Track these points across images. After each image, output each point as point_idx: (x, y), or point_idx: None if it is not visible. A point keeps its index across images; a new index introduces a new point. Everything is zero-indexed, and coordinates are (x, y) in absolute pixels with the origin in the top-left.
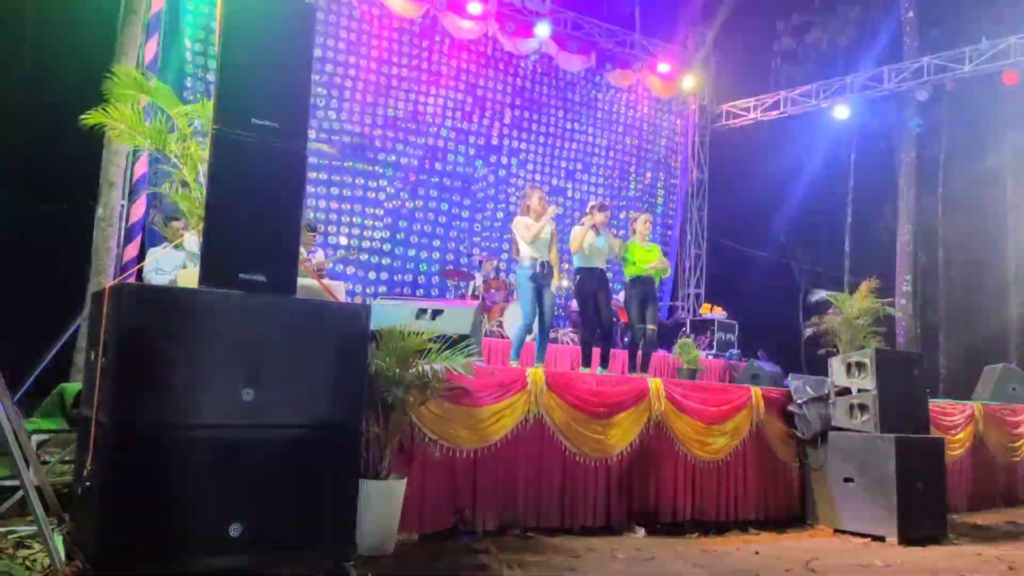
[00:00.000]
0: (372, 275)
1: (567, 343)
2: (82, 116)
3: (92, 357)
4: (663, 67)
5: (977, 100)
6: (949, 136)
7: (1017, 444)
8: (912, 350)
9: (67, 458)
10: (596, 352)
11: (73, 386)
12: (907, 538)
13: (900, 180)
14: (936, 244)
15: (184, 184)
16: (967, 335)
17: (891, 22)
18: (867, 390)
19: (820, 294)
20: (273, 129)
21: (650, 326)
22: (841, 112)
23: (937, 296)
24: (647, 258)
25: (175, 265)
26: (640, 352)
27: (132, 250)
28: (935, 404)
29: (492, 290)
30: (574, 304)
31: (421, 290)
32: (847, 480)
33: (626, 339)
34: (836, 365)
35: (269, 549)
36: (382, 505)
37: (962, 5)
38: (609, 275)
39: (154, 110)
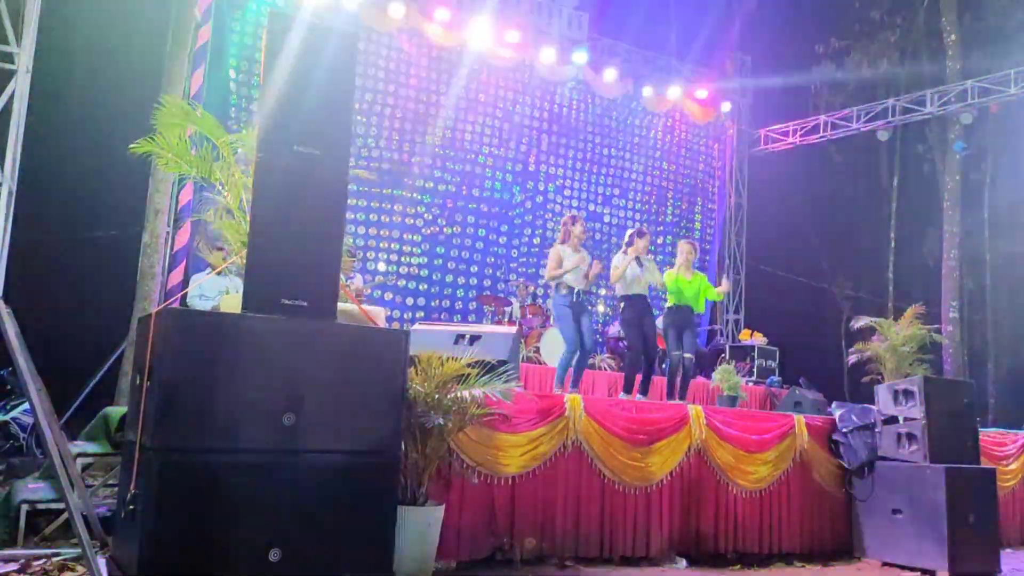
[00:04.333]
0: (410, 300)
1: (605, 369)
2: (131, 145)
3: (137, 381)
4: (700, 92)
5: (1021, 122)
6: (994, 158)
7: None
8: (960, 378)
9: (111, 481)
10: (637, 379)
11: (117, 410)
12: (958, 573)
13: (944, 204)
14: (983, 269)
15: (228, 211)
16: (1016, 362)
17: (933, 45)
18: (915, 419)
19: (863, 320)
20: (315, 156)
21: (687, 354)
22: (883, 136)
23: (984, 322)
24: (689, 287)
25: (218, 291)
26: (678, 380)
27: (177, 276)
28: (985, 434)
29: (530, 316)
30: (611, 330)
31: (458, 315)
32: (895, 512)
33: (664, 366)
34: (882, 393)
35: (308, 575)
36: (420, 532)
37: (1006, 28)
38: (649, 300)
39: (199, 139)
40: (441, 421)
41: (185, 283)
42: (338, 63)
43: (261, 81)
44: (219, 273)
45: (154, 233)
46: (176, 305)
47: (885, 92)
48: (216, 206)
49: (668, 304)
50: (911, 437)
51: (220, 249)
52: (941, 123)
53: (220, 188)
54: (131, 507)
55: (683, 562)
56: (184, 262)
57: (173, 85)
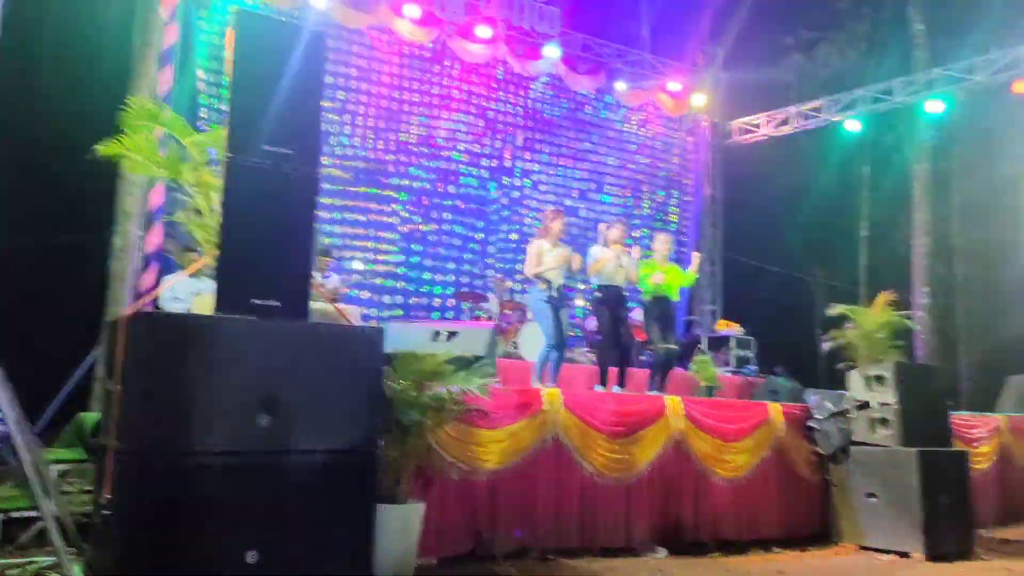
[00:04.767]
0: (387, 299)
1: (583, 363)
2: (97, 146)
3: (109, 386)
4: (673, 85)
5: (989, 109)
6: (962, 146)
7: None
8: (932, 363)
9: (87, 488)
10: (613, 371)
11: (91, 415)
12: (933, 554)
13: (914, 192)
14: (952, 255)
15: (199, 212)
16: (987, 346)
17: (901, 35)
18: (888, 404)
19: (837, 308)
20: (285, 155)
21: (672, 345)
22: (852, 126)
23: (955, 307)
24: (664, 278)
25: (191, 293)
26: (662, 371)
27: (149, 279)
28: (957, 417)
29: (507, 311)
30: (589, 323)
31: (437, 313)
32: (870, 496)
33: (642, 358)
34: (855, 379)
35: None
36: (400, 530)
37: (972, 16)
38: (625, 293)
39: (169, 140)
40: (419, 418)
41: (157, 285)
42: (307, 61)
43: (229, 80)
44: (192, 275)
45: (125, 236)
46: (148, 308)
47: (855, 82)
48: (187, 207)
49: (647, 298)
50: (884, 421)
51: (192, 251)
52: (910, 112)
53: (190, 189)
54: (106, 512)
55: (663, 551)
56: (156, 265)
57: (140, 86)
